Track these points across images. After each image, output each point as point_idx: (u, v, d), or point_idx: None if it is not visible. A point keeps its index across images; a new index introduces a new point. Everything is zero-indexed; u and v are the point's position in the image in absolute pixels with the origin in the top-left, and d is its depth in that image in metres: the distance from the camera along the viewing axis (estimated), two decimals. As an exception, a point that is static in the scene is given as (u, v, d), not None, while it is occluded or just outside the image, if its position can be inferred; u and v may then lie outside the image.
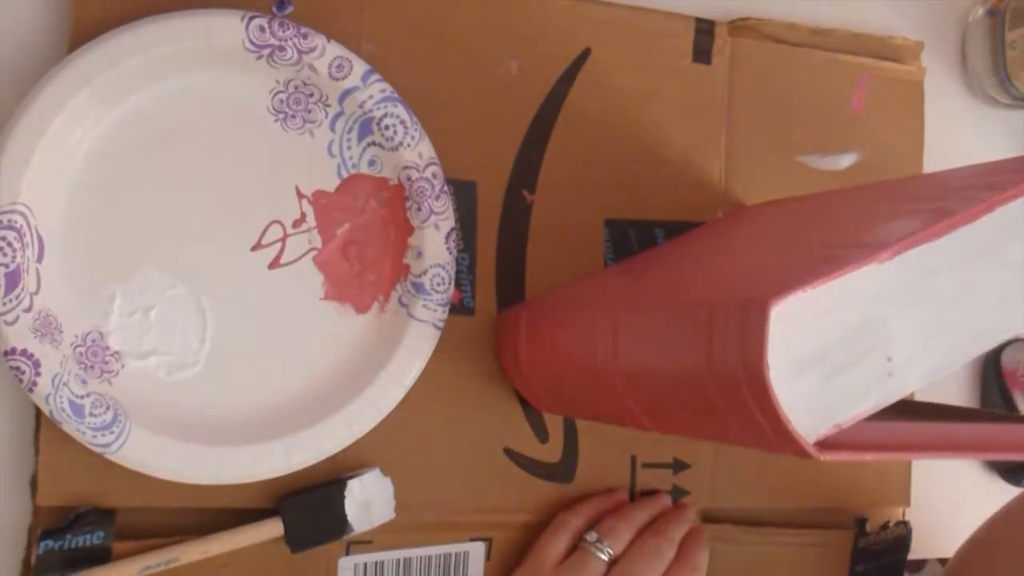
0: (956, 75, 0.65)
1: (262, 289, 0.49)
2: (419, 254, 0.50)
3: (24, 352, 0.44)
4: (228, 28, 0.47)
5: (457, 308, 0.52)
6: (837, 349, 0.33)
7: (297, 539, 0.49)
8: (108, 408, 0.45)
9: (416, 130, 0.50)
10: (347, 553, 0.50)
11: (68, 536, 0.45)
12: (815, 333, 0.33)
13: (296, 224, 0.49)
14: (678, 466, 0.56)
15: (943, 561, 0.65)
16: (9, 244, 0.44)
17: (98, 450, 0.44)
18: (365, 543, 0.50)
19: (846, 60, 0.61)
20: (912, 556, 0.61)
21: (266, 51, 0.47)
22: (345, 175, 0.50)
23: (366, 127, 0.50)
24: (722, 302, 0.34)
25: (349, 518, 0.49)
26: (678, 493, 0.56)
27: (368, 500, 0.49)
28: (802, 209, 0.53)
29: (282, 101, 0.49)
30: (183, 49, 0.46)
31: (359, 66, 0.49)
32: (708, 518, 0.57)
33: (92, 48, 0.45)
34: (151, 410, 0.46)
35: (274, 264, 0.49)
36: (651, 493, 0.56)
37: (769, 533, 0.58)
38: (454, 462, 0.52)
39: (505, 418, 0.53)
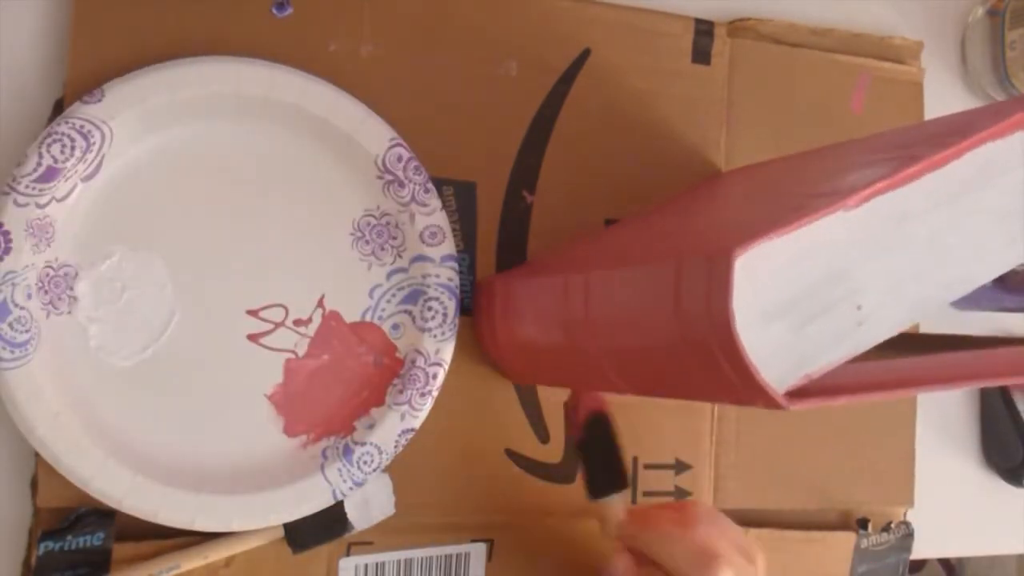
0: (956, 75, 0.65)
1: (228, 349, 0.48)
2: (370, 427, 0.49)
3: (6, 234, 0.44)
4: (375, 137, 0.49)
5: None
6: (806, 298, 0.32)
7: (298, 540, 0.48)
8: (28, 331, 0.45)
9: (451, 330, 0.50)
10: (348, 554, 0.50)
11: (68, 537, 0.45)
12: (783, 282, 0.32)
13: (298, 323, 0.49)
14: (680, 467, 0.56)
15: (943, 561, 0.65)
16: (72, 147, 0.45)
17: None
18: (366, 544, 0.50)
19: (845, 60, 0.61)
20: (913, 556, 0.61)
21: (389, 178, 0.49)
22: (367, 320, 0.50)
23: (414, 296, 0.50)
24: (689, 254, 0.34)
25: (349, 516, 0.49)
26: (680, 494, 0.56)
27: (367, 498, 0.49)
28: (777, 168, 0.53)
29: (368, 224, 0.50)
30: (329, 121, 0.48)
31: (448, 247, 0.50)
32: (710, 519, 0.57)
33: (255, 65, 0.47)
34: (59, 364, 0.46)
35: (254, 338, 0.49)
36: None
37: (771, 534, 0.57)
38: (455, 463, 0.52)
39: (506, 419, 0.53)
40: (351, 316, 0.50)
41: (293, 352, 0.49)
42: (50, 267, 0.46)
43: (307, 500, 0.48)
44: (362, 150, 0.49)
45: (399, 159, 0.49)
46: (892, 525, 0.60)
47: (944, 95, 0.64)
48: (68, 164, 0.45)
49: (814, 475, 0.59)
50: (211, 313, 0.48)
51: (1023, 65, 0.61)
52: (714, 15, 0.58)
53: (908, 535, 0.60)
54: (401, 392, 0.50)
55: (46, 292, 0.46)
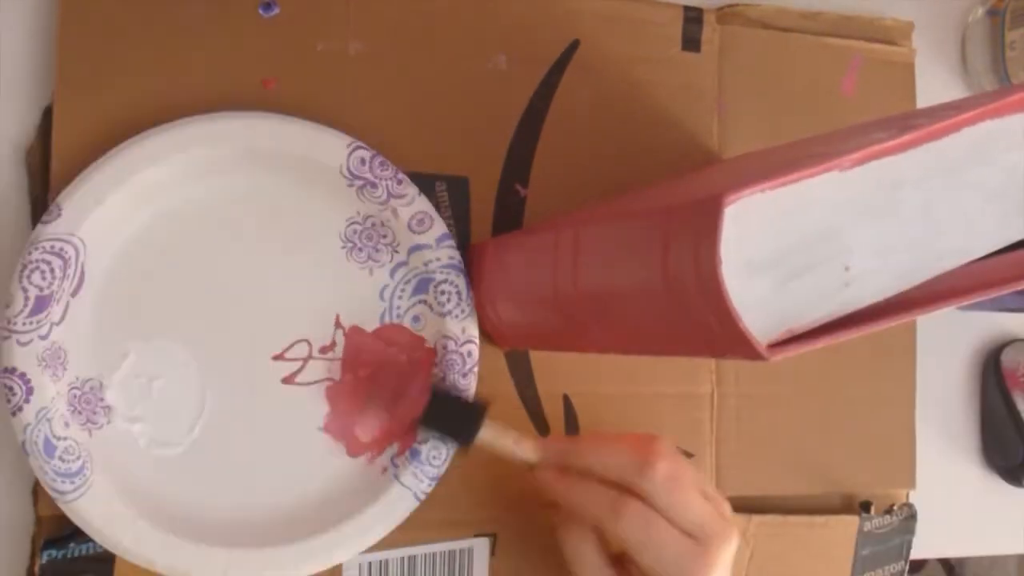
0: (956, 75, 0.65)
1: (268, 399, 0.48)
2: None
3: (23, 376, 0.44)
4: (332, 149, 0.48)
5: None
6: (794, 254, 0.32)
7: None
8: (79, 458, 0.44)
9: (468, 305, 0.50)
10: (351, 553, 0.50)
11: (71, 545, 0.46)
12: (772, 236, 0.32)
13: (323, 350, 0.49)
14: (681, 456, 0.56)
15: (943, 561, 0.65)
16: (51, 270, 0.44)
17: (53, 495, 0.44)
18: (369, 542, 0.50)
19: (836, 44, 0.60)
20: (912, 556, 0.61)
21: (359, 183, 0.48)
22: (387, 321, 0.50)
23: (423, 286, 0.50)
24: (680, 204, 0.34)
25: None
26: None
27: None
28: (777, 148, 0.53)
29: (355, 232, 0.49)
30: (281, 151, 0.47)
31: (438, 227, 0.49)
32: (712, 507, 0.57)
33: (197, 123, 0.46)
34: (118, 474, 0.46)
35: (288, 380, 0.49)
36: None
37: (773, 520, 0.57)
38: (456, 459, 0.52)
39: (505, 413, 0.53)
40: (371, 325, 0.50)
41: (329, 379, 0.49)
42: (75, 388, 0.46)
43: (393, 513, 0.48)
44: (324, 164, 0.48)
45: (363, 161, 0.48)
46: (895, 507, 0.60)
47: (944, 95, 0.64)
48: (54, 287, 0.44)
49: (815, 459, 0.59)
50: (241, 372, 0.48)
51: (1023, 65, 0.61)
52: (703, 2, 0.58)
53: (911, 517, 0.60)
54: (444, 380, 0.50)
55: (80, 412, 0.46)
